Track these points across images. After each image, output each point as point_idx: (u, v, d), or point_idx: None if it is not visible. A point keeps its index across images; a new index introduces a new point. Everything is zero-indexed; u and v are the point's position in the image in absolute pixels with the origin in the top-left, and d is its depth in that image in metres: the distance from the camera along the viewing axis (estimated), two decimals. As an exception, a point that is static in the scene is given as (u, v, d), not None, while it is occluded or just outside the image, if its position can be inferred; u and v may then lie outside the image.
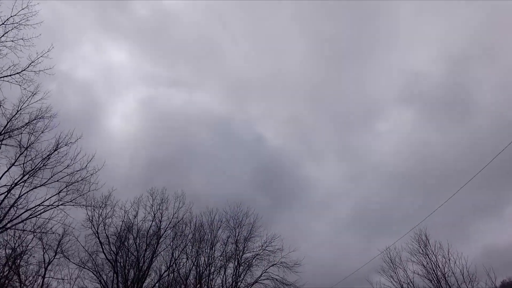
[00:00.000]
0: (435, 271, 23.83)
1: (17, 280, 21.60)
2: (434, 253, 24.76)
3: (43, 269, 23.49)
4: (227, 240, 31.92)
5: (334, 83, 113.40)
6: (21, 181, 20.82)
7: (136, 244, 28.47)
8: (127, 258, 27.92)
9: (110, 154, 63.10)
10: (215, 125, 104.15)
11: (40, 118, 21.32)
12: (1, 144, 20.02)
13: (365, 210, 79.43)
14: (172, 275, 29.72)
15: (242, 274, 30.35)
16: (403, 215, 67.97)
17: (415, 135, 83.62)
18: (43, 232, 21.10)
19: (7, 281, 20.84)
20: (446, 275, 23.11)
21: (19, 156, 21.01)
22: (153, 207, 29.78)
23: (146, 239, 28.79)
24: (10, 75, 18.49)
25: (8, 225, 19.48)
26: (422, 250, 25.49)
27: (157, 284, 28.79)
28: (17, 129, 20.56)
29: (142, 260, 28.21)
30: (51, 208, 21.30)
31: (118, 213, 27.85)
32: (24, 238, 21.43)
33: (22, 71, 18.91)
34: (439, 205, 26.95)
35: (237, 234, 32.01)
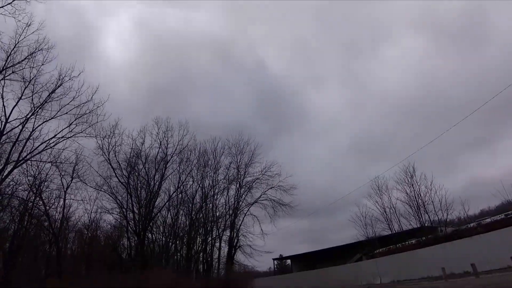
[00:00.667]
0: (417, 199, 26.85)
1: (41, 203, 23.91)
2: (418, 183, 27.43)
3: (63, 193, 25.74)
4: (230, 165, 34.39)
5: (342, 4, 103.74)
6: (31, 113, 21.36)
7: (145, 169, 30.64)
8: (138, 181, 30.29)
9: (110, 81, 61.67)
10: (215, 49, 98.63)
11: (39, 50, 20.91)
12: (5, 79, 19.92)
13: (363, 138, 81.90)
14: (180, 195, 32.84)
15: (243, 195, 33.70)
16: (400, 145, 70.70)
17: (424, 64, 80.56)
18: (59, 163, 22.46)
19: (32, 205, 23.10)
20: (425, 203, 26.13)
21: (24, 89, 21.26)
22: (159, 135, 31.22)
23: (155, 165, 30.88)
24: (2, 7, 17.44)
25: (28, 156, 20.73)
26: (408, 180, 28.12)
27: (167, 203, 31.97)
28: (19, 63, 20.21)
29: (152, 182, 30.72)
30: (63, 140, 22.53)
31: (126, 141, 29.17)
32: (42, 167, 23.00)
33: (13, 0, 17.80)
34: (433, 138, 28.61)
35: (238, 160, 34.39)
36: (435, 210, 25.55)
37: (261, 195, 33.27)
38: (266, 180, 33.26)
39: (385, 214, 29.49)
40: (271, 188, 33.25)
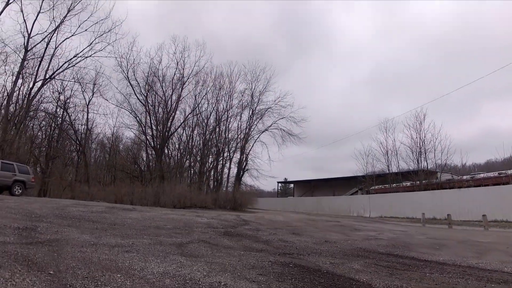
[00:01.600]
0: (420, 146, 27.59)
1: (67, 117, 26.10)
2: (425, 130, 27.81)
3: (86, 107, 27.68)
4: (244, 91, 34.93)
5: None
6: (53, 30, 21.86)
7: (162, 89, 31.78)
8: (156, 100, 31.78)
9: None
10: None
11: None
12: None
13: (385, 71, 77.23)
14: (196, 116, 34.47)
15: (255, 122, 35.03)
16: (421, 83, 66.85)
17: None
18: (82, 81, 23.85)
19: (59, 118, 25.33)
20: (427, 151, 26.95)
21: (42, 2, 21.42)
22: (175, 55, 31.48)
23: (172, 85, 31.90)
24: None
25: (53, 75, 22.06)
26: (417, 126, 28.43)
27: (182, 123, 33.90)
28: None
29: (169, 102, 32.20)
30: (84, 58, 23.63)
31: (144, 59, 29.88)
32: (66, 85, 24.63)
33: None
34: (457, 86, 27.68)
35: (253, 88, 34.76)
36: (434, 159, 26.54)
37: (271, 124, 34.53)
38: (278, 110, 34.08)
39: (386, 156, 30.71)
40: (282, 118, 34.21)
